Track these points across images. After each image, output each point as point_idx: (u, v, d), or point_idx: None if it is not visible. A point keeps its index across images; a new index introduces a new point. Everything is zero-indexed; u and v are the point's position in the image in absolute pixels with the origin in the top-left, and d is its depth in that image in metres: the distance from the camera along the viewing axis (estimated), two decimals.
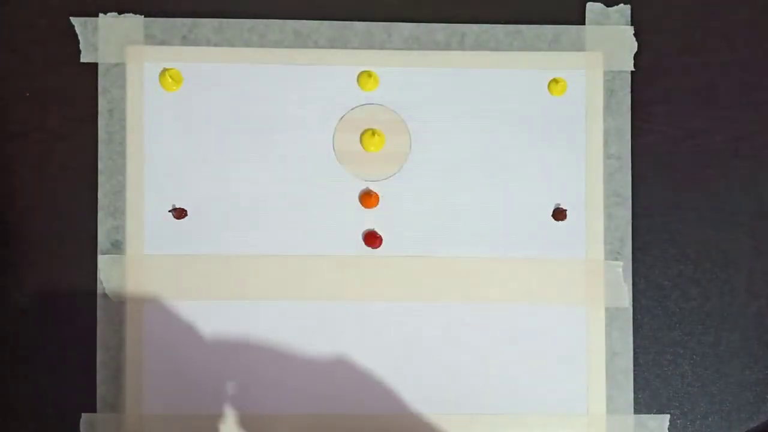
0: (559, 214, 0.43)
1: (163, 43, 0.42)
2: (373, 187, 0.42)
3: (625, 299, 0.42)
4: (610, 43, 0.43)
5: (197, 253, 0.42)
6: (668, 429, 0.43)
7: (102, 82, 0.42)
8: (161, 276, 0.42)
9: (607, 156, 0.43)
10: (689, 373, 0.43)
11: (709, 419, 0.43)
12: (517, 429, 0.42)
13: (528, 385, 0.42)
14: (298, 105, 0.42)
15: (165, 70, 0.42)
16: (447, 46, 0.43)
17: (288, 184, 0.42)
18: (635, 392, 0.42)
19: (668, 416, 0.43)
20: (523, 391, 0.42)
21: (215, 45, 0.42)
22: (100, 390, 0.41)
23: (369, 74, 0.42)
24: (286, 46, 0.42)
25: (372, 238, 0.42)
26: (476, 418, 0.42)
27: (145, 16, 0.42)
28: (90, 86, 0.42)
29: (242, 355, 0.42)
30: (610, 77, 0.43)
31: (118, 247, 0.42)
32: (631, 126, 0.43)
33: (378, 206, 0.42)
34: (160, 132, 0.42)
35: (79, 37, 0.42)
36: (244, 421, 0.41)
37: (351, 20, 0.43)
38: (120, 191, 0.42)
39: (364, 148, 0.42)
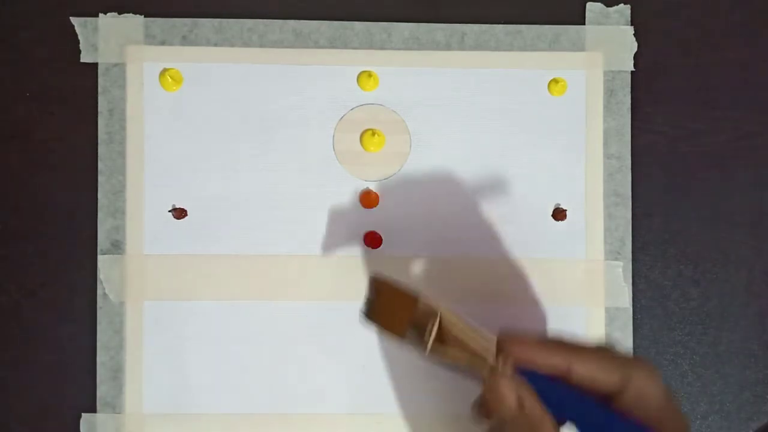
0: (559, 214, 0.43)
1: (163, 43, 0.42)
2: (373, 187, 0.42)
3: (625, 299, 0.42)
4: (610, 43, 0.43)
5: (197, 253, 0.42)
6: None
7: (102, 82, 0.42)
8: (161, 276, 0.42)
9: (607, 156, 0.43)
10: (689, 373, 0.43)
11: (709, 419, 0.43)
12: None
13: None
14: (298, 105, 0.42)
15: (165, 70, 0.42)
16: (447, 46, 0.43)
17: (288, 185, 0.42)
18: None
19: None
20: None
21: (215, 45, 0.42)
22: (100, 390, 0.41)
23: (369, 74, 0.42)
24: (286, 46, 0.42)
25: (372, 238, 0.42)
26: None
27: (145, 16, 0.42)
28: (90, 86, 0.42)
29: (242, 355, 0.42)
30: (610, 77, 0.43)
31: (118, 247, 0.42)
32: (631, 126, 0.43)
33: (378, 206, 0.42)
34: (160, 132, 0.42)
35: (79, 37, 0.42)
36: (244, 421, 0.42)
37: (351, 20, 0.43)
38: (120, 191, 0.42)
39: (364, 148, 0.42)
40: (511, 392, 0.28)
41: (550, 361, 0.29)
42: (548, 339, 0.30)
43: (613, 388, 0.28)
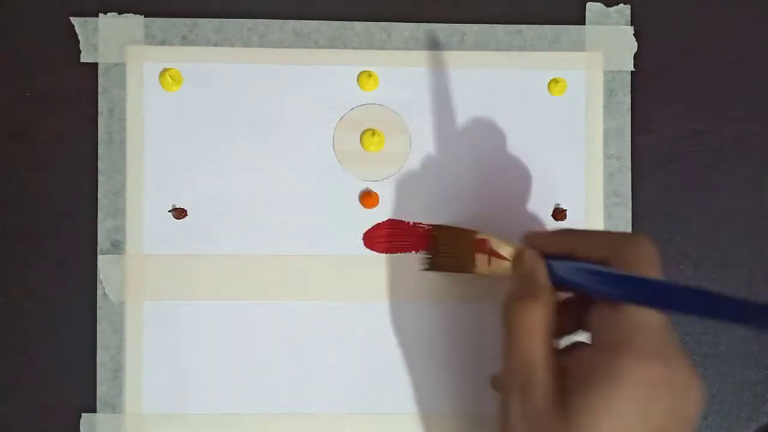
0: (559, 214, 0.43)
1: (163, 43, 0.42)
2: (373, 187, 0.42)
3: None
4: (610, 43, 0.43)
5: (197, 253, 0.42)
6: None
7: (102, 82, 0.42)
8: (161, 276, 0.42)
9: (607, 156, 0.43)
10: None
11: (709, 419, 0.43)
12: None
13: None
14: (298, 105, 0.42)
15: (165, 70, 0.42)
16: (447, 46, 0.43)
17: (288, 184, 0.42)
18: None
19: None
20: None
21: (215, 45, 0.42)
22: (100, 390, 0.41)
23: (369, 74, 0.42)
24: (286, 46, 0.42)
25: None
26: (479, 419, 0.42)
27: (145, 16, 0.42)
28: (90, 86, 0.42)
29: (242, 355, 0.42)
30: (610, 77, 0.43)
31: (118, 247, 0.42)
32: (631, 126, 0.43)
33: (378, 206, 0.42)
34: (160, 132, 0.42)
35: (79, 37, 0.42)
36: (244, 421, 0.42)
37: (351, 20, 0.43)
38: (120, 191, 0.42)
39: (364, 148, 0.42)
40: (530, 260, 0.34)
41: (558, 246, 0.33)
42: (560, 230, 0.35)
43: (604, 260, 0.31)
